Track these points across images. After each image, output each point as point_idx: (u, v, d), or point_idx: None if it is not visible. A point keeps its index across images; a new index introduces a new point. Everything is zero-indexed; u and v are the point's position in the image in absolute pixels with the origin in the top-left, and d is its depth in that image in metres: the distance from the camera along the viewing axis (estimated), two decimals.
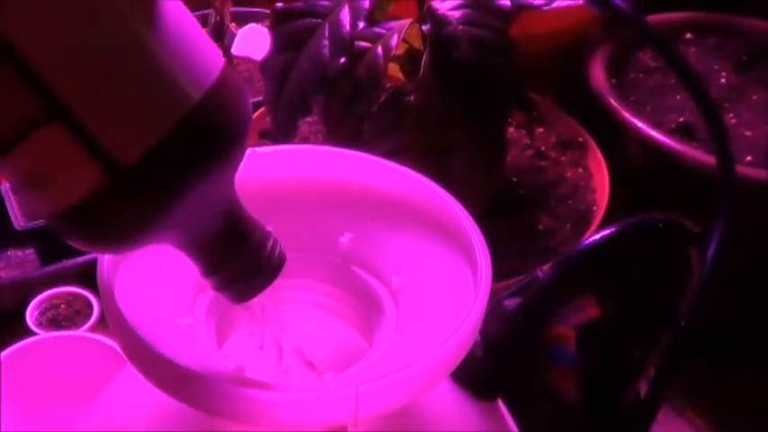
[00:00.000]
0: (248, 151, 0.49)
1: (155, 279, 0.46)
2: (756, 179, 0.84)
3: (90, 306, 0.89)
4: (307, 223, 0.49)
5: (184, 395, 0.39)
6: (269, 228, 0.47)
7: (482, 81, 0.73)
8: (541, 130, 0.92)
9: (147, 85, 0.32)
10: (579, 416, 0.62)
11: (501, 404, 0.55)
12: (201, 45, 0.34)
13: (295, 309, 0.50)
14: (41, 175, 0.33)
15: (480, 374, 0.51)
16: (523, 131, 0.89)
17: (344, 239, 0.49)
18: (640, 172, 0.91)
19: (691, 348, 0.58)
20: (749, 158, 0.88)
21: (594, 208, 0.84)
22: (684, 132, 0.91)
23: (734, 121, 0.94)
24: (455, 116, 0.73)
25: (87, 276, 0.93)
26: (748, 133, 0.92)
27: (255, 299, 0.41)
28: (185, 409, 0.45)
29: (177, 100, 0.33)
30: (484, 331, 0.52)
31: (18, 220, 0.96)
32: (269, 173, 0.50)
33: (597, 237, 0.52)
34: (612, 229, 0.52)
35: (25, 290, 0.91)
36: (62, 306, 0.90)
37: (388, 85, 0.82)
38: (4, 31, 0.30)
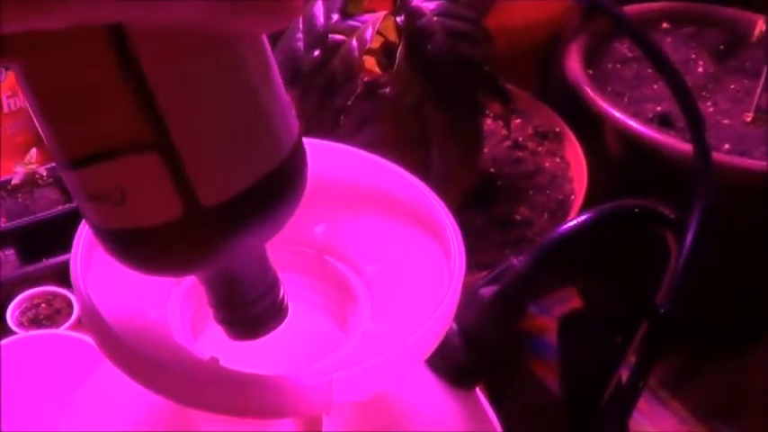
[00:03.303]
0: None
1: (128, 273, 0.45)
2: (734, 166, 0.84)
3: (70, 305, 0.89)
4: None
5: (158, 386, 0.39)
6: None
7: (457, 72, 0.73)
8: (518, 121, 0.92)
9: (252, 138, 0.34)
10: (561, 406, 0.62)
11: (479, 392, 0.55)
12: (288, 106, 0.36)
13: None
14: (115, 194, 0.33)
15: (457, 363, 0.51)
16: (500, 123, 0.89)
17: (318, 230, 0.49)
18: (618, 162, 0.91)
19: (670, 335, 0.59)
20: (726, 146, 0.88)
21: (572, 197, 0.84)
22: (662, 122, 0.91)
23: (711, 109, 0.95)
24: (431, 108, 0.73)
25: (67, 276, 0.93)
26: (726, 121, 0.93)
27: None
28: (162, 404, 0.45)
29: (271, 154, 0.34)
30: (460, 320, 0.52)
31: None
32: None
33: (573, 222, 0.52)
34: (588, 215, 0.52)
35: (5, 290, 0.91)
36: (42, 305, 0.90)
37: (366, 79, 0.82)
38: (136, 55, 0.30)
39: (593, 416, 0.61)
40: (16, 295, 0.90)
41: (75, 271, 0.42)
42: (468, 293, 0.52)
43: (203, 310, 0.47)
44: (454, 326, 0.51)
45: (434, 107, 0.73)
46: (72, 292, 0.89)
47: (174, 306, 0.45)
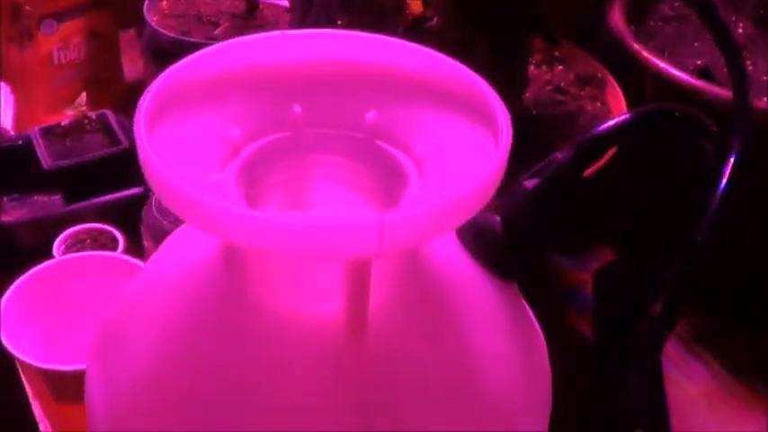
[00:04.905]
0: (277, 34, 0.51)
1: (185, 144, 0.47)
2: None
3: (115, 241, 0.91)
4: (333, 102, 0.51)
5: (213, 224, 0.41)
6: (297, 107, 0.49)
7: (503, 11, 0.75)
8: (560, 68, 0.94)
9: None
10: (592, 345, 0.63)
11: (517, 289, 0.56)
12: None
13: (321, 186, 0.52)
14: None
15: (499, 251, 0.53)
16: (543, 69, 0.91)
17: (370, 116, 0.50)
18: None
19: (707, 267, 0.59)
20: (766, 100, 0.89)
21: None
22: (702, 75, 0.92)
23: (751, 68, 0.96)
24: (475, 40, 0.74)
25: (112, 214, 0.95)
26: (765, 78, 0.94)
27: None
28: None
29: None
30: (504, 211, 0.53)
31: (46, 160, 0.98)
32: (297, 54, 0.51)
33: (614, 120, 0.53)
34: (629, 114, 0.53)
35: (51, 227, 0.93)
36: (88, 241, 0.92)
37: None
38: None
39: (625, 351, 0.62)
40: (62, 232, 0.92)
41: (139, 127, 0.43)
42: (513, 187, 0.53)
43: (256, 186, 0.49)
44: (497, 217, 0.53)
45: (478, 40, 0.74)
46: (117, 229, 0.91)
47: (230, 177, 0.47)
